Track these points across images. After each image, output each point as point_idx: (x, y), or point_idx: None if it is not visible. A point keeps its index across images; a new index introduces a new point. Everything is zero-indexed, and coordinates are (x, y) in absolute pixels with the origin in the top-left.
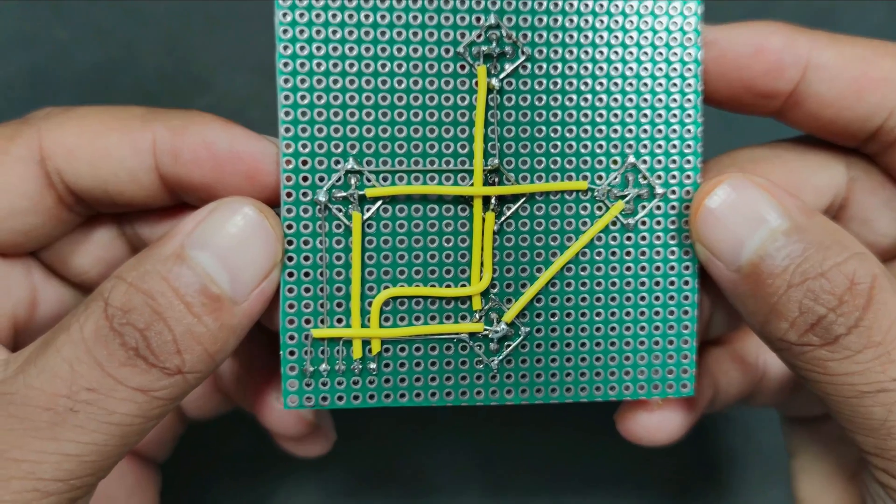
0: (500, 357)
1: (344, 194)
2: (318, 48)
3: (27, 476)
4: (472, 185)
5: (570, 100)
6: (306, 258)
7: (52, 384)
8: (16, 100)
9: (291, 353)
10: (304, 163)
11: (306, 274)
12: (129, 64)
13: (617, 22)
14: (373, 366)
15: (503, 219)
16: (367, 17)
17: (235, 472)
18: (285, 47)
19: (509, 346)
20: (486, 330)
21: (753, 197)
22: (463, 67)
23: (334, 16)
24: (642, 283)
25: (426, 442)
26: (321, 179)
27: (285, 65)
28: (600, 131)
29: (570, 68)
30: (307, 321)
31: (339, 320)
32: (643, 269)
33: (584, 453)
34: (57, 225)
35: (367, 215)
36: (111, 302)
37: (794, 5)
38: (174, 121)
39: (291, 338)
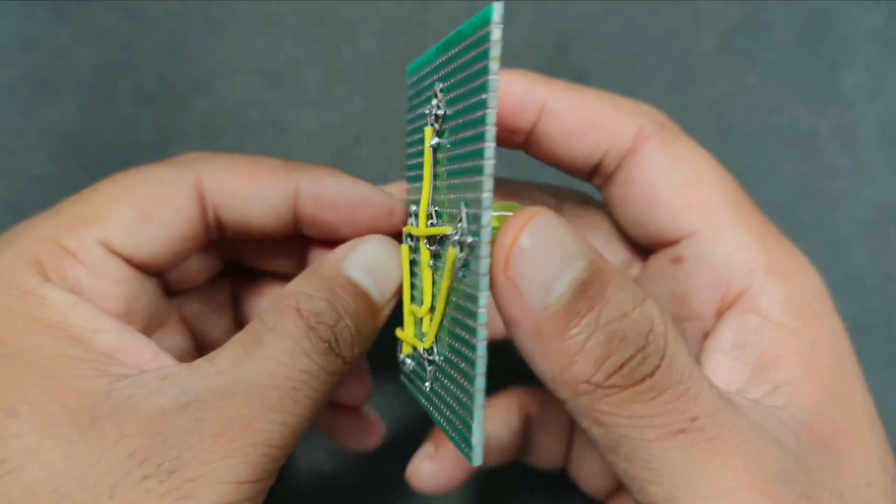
0: (428, 379)
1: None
2: None
3: (265, 442)
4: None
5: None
6: None
7: (277, 368)
8: (17, 101)
9: None
10: None
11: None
12: (129, 66)
13: None
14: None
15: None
16: None
17: None
18: None
19: (432, 370)
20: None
21: (563, 235)
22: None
23: None
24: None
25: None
26: None
27: None
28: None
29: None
30: None
31: None
32: (468, 314)
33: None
34: (196, 248)
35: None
36: (303, 308)
37: (794, 6)
38: (313, 172)
39: None
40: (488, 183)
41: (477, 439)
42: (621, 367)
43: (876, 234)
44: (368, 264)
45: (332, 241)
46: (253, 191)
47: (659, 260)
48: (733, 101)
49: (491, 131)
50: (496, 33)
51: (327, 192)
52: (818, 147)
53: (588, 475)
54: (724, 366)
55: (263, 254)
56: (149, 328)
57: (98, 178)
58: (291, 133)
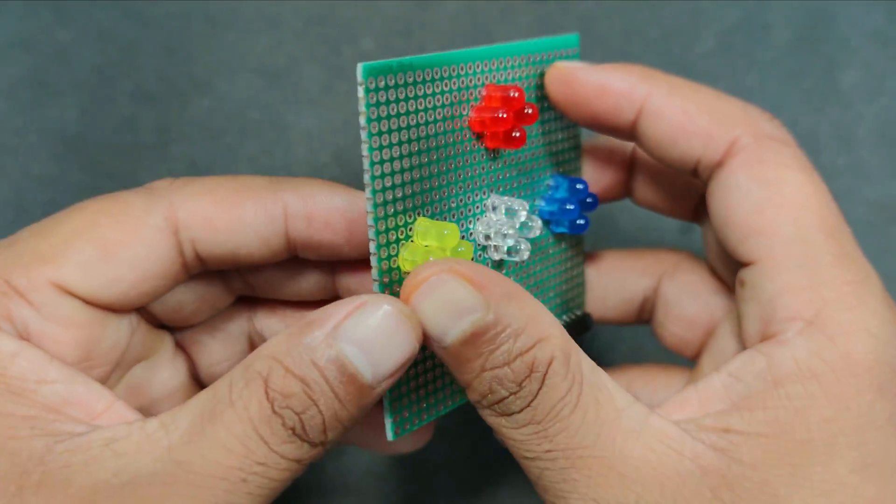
0: None
1: None
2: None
3: None
4: None
5: None
6: None
7: (227, 458)
8: (17, 101)
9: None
10: None
11: None
12: (130, 66)
13: None
14: None
15: None
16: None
17: None
18: None
19: None
20: None
21: (456, 289)
22: None
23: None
24: None
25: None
26: None
27: None
28: None
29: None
30: None
31: None
32: None
33: None
34: (173, 285)
35: None
36: (272, 385)
37: (793, 6)
38: (303, 189)
39: None
40: (371, 246)
41: (387, 419)
42: (495, 403)
43: (876, 234)
44: (366, 338)
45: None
46: (235, 219)
47: (737, 275)
48: None
49: (368, 191)
50: (359, 91)
51: (320, 209)
52: (817, 147)
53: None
54: (712, 386)
55: (282, 285)
56: (122, 365)
57: (98, 177)
58: (291, 133)
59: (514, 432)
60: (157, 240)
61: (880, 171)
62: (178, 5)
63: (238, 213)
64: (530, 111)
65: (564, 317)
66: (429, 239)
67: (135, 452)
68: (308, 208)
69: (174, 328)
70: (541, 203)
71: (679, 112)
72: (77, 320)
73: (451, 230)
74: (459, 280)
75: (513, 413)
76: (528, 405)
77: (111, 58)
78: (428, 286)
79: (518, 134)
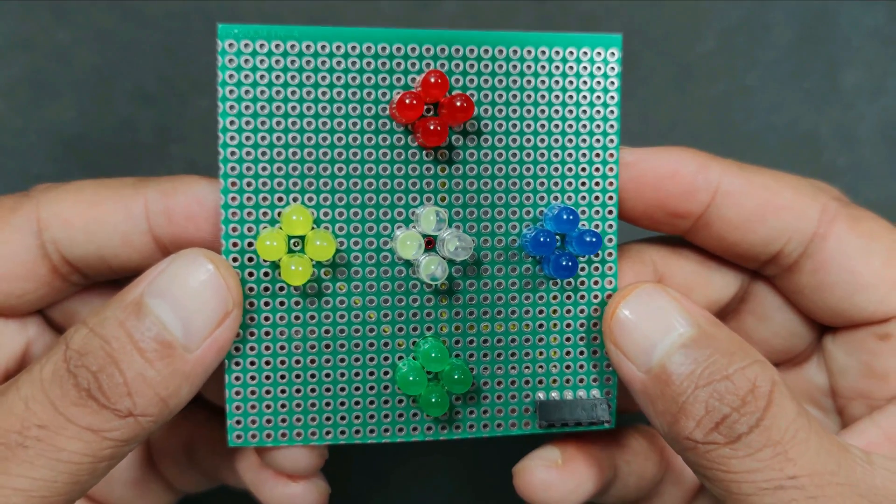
0: None
1: None
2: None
3: None
4: None
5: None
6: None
7: (6, 420)
8: (16, 101)
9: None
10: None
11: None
12: (129, 66)
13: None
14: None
15: None
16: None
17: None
18: None
19: None
20: None
21: (664, 305)
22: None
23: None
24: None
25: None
26: None
27: None
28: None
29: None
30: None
31: None
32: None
33: None
34: (51, 292)
35: None
36: (70, 345)
37: (794, 5)
38: (164, 185)
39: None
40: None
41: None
42: (717, 425)
43: None
44: (175, 292)
45: None
46: (92, 218)
47: (860, 335)
48: (733, 101)
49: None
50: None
51: (180, 203)
52: (818, 147)
53: None
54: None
55: None
56: (21, 367)
57: (97, 177)
58: None
59: (748, 461)
60: (15, 239)
61: (882, 170)
62: (177, 5)
63: (95, 213)
64: (462, 104)
65: (564, 393)
66: (294, 228)
67: None
68: (166, 204)
69: None
70: (527, 233)
71: (762, 189)
72: None
73: (303, 217)
74: (668, 296)
75: (741, 435)
76: (758, 424)
77: (110, 58)
78: (636, 298)
79: (434, 127)
